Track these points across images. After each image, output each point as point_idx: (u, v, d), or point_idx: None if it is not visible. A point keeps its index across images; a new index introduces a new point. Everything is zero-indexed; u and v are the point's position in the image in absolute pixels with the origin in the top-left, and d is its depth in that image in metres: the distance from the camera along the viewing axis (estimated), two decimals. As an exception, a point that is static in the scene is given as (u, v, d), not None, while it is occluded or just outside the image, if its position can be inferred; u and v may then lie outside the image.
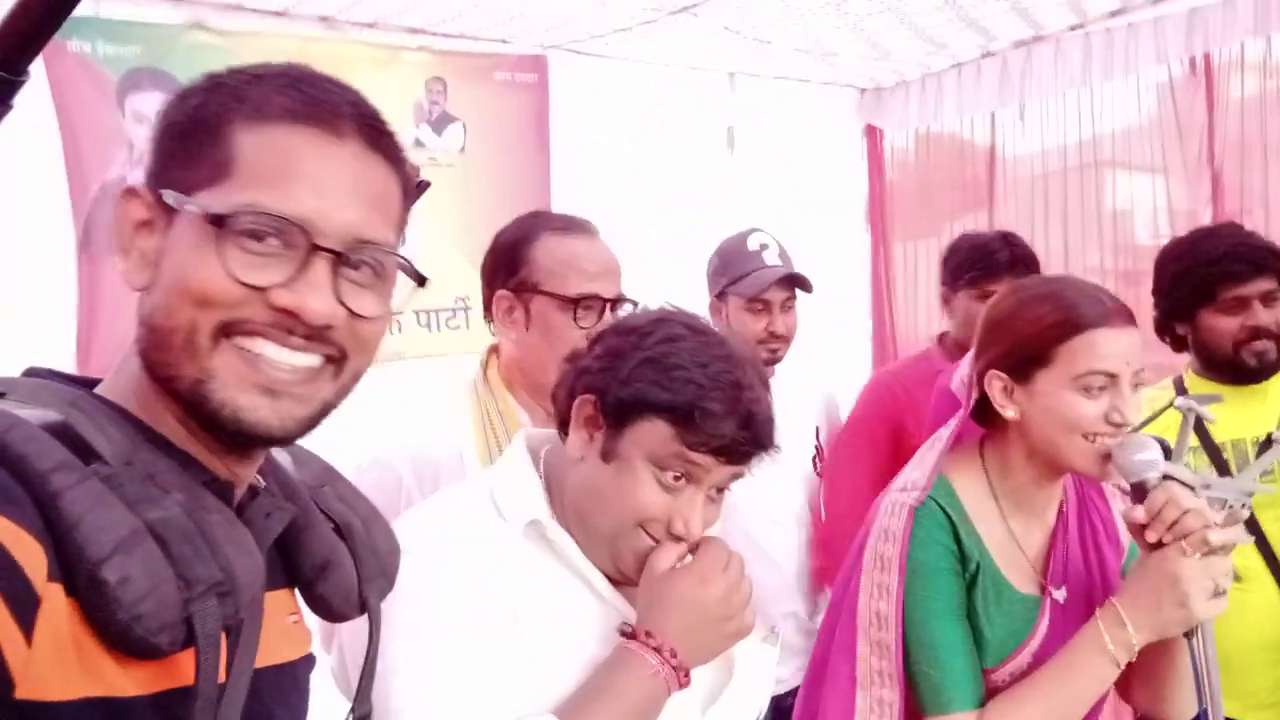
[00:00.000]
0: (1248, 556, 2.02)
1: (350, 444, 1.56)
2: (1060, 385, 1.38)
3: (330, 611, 0.87)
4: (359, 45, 3.56)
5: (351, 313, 0.76)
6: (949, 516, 1.43)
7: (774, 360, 2.38)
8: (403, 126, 3.58)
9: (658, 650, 1.11)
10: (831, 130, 4.46)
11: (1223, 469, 2.05)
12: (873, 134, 4.52)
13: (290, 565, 0.86)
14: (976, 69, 4.01)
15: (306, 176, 0.74)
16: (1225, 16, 3.26)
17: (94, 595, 0.64)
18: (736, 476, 1.16)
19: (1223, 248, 2.08)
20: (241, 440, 0.75)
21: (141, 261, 0.75)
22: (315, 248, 0.73)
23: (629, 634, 1.13)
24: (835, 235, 4.42)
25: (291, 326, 0.73)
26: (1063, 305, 1.39)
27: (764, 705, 1.29)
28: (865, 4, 3.23)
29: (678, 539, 1.14)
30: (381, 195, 0.79)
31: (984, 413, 1.49)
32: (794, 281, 2.35)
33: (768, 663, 1.30)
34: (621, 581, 1.19)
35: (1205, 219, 3.40)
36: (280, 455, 0.89)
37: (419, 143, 3.62)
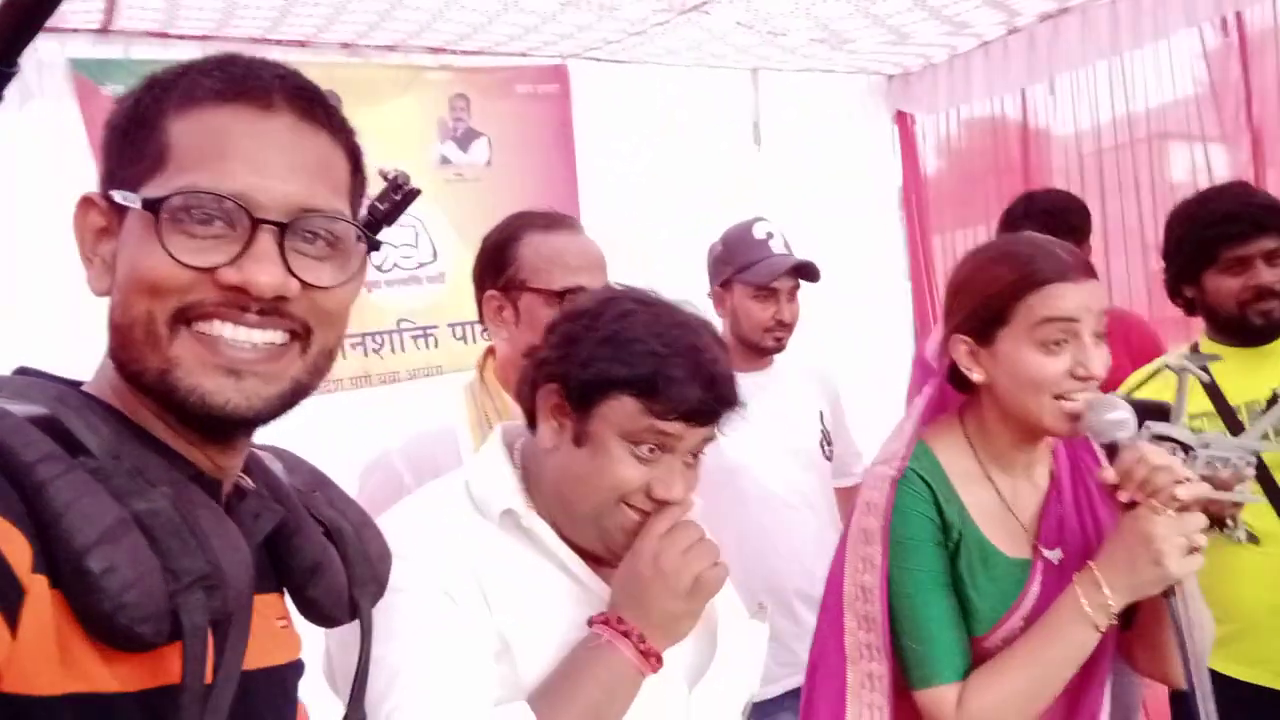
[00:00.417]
0: (1266, 518, 1.96)
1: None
2: (1020, 343, 1.36)
3: (320, 615, 0.87)
4: (381, 69, 3.63)
5: (306, 284, 0.75)
6: (930, 486, 1.42)
7: (779, 348, 2.40)
8: (429, 144, 3.65)
9: (625, 635, 1.11)
10: (861, 120, 4.42)
11: (1238, 431, 1.97)
12: (903, 120, 4.46)
13: (280, 569, 0.85)
14: (1004, 46, 3.93)
15: (241, 153, 0.73)
16: (1256, -28, 3.16)
17: (78, 585, 0.63)
18: (708, 440, 1.17)
19: (1224, 208, 2.05)
20: (214, 425, 0.75)
21: (103, 267, 0.76)
22: (257, 221, 0.73)
23: (600, 620, 1.13)
24: (869, 225, 4.36)
25: (244, 304, 0.73)
26: (1019, 263, 1.37)
27: (756, 681, 1.28)
28: (876, -13, 3.19)
29: (662, 504, 1.14)
30: (323, 164, 0.78)
31: (961, 378, 1.47)
32: (802, 270, 2.35)
33: (757, 639, 1.30)
34: (608, 563, 1.20)
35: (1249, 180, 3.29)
36: (271, 461, 0.89)
37: (445, 159, 3.69)
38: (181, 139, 0.74)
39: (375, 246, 0.82)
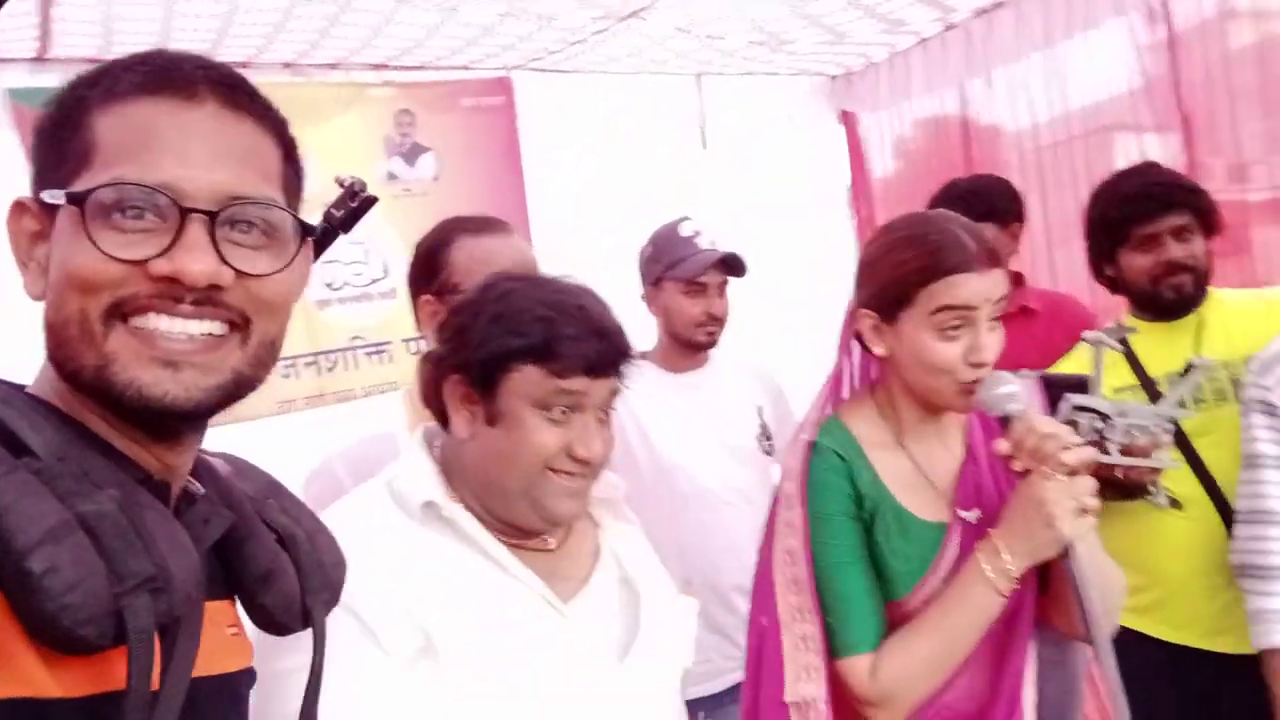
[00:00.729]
0: (1187, 483, 2.02)
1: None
2: (920, 327, 1.41)
3: (272, 623, 0.86)
4: (324, 87, 3.64)
5: (240, 273, 0.75)
6: (844, 460, 1.46)
7: (710, 343, 2.43)
8: (375, 161, 3.66)
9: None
10: (806, 121, 4.46)
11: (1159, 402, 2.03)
12: (849, 119, 4.51)
13: (231, 576, 0.84)
14: (941, 42, 3.99)
15: (166, 144, 0.73)
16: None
17: (20, 586, 0.62)
18: (615, 393, 1.22)
19: (1132, 188, 2.13)
20: (154, 419, 0.74)
21: (38, 270, 0.76)
22: (186, 211, 0.72)
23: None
24: (818, 225, 4.40)
25: (178, 294, 0.72)
26: (926, 249, 1.42)
27: (689, 653, 1.31)
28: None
29: (584, 464, 1.18)
30: (252, 151, 0.78)
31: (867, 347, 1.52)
32: (729, 264, 2.38)
33: (686, 615, 1.35)
34: (533, 547, 1.23)
35: (1180, 169, 3.37)
36: (222, 466, 0.89)
37: (392, 175, 3.69)
38: (106, 134, 0.73)
39: (311, 233, 0.82)
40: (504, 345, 1.16)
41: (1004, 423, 1.37)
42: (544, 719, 1.15)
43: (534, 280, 1.23)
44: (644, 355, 2.54)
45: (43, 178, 0.76)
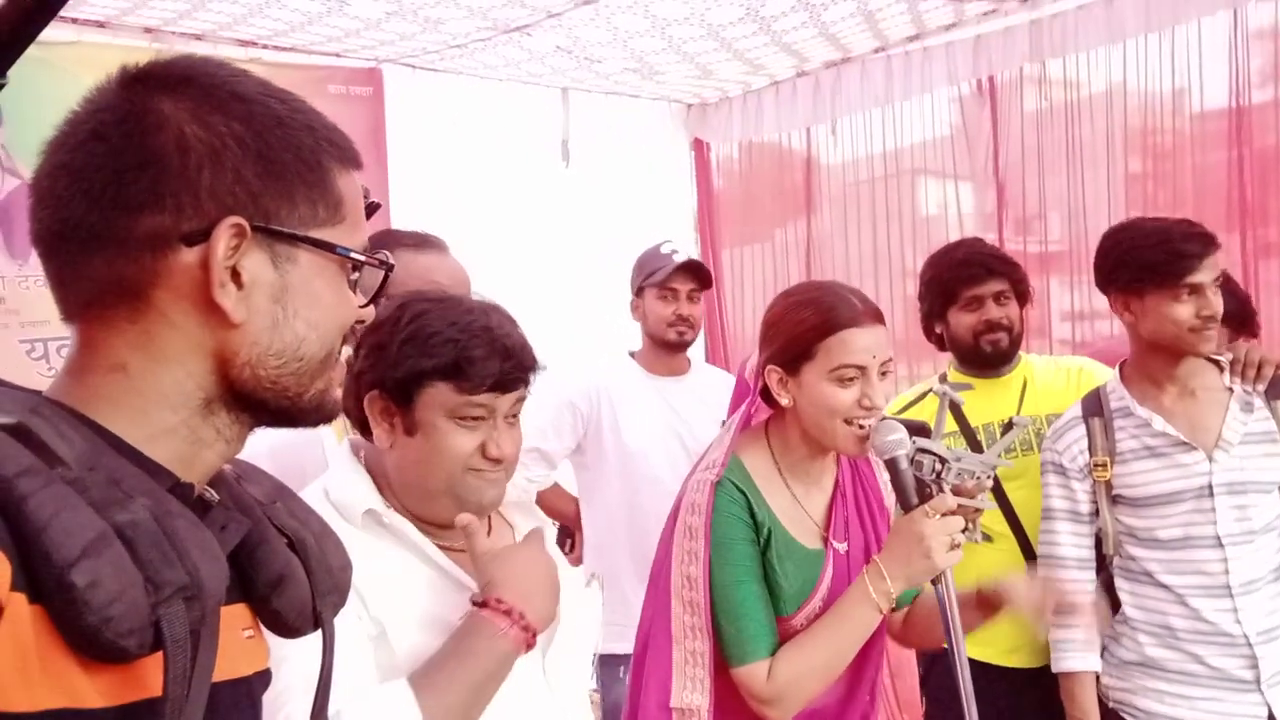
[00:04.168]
0: (997, 521, 2.38)
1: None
2: (820, 377, 1.62)
3: (284, 627, 0.87)
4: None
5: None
6: (743, 492, 1.65)
7: (682, 344, 2.84)
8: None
9: (508, 614, 1.24)
10: (661, 143, 4.68)
11: (976, 448, 2.41)
12: (699, 146, 4.77)
13: (244, 580, 0.84)
14: (793, 86, 4.30)
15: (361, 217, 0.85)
16: (1006, 43, 3.65)
17: (62, 599, 0.63)
18: (521, 400, 1.35)
19: (962, 256, 2.49)
20: (313, 419, 0.84)
21: (244, 295, 0.77)
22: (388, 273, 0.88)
23: (480, 603, 1.26)
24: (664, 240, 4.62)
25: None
26: (821, 309, 1.64)
27: (597, 640, 1.47)
28: (688, 29, 3.44)
29: (497, 462, 1.31)
30: None
31: (769, 397, 1.72)
32: (694, 273, 2.80)
33: (593, 604, 1.49)
34: (461, 548, 1.34)
35: (994, 223, 3.81)
36: (229, 470, 0.90)
37: (253, 156, 3.60)
38: (347, 195, 0.81)
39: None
40: (417, 366, 1.27)
41: (890, 464, 1.59)
42: None
43: (445, 301, 1.34)
44: (631, 355, 2.92)
45: (258, 202, 0.76)
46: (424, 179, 3.91)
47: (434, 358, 1.27)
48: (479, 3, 3.17)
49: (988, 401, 2.44)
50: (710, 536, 1.63)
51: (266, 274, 0.77)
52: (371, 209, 1.03)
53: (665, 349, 2.85)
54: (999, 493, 2.36)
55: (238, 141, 0.75)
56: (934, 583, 1.56)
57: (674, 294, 2.80)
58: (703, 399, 2.82)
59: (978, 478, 1.66)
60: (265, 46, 3.64)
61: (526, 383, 1.34)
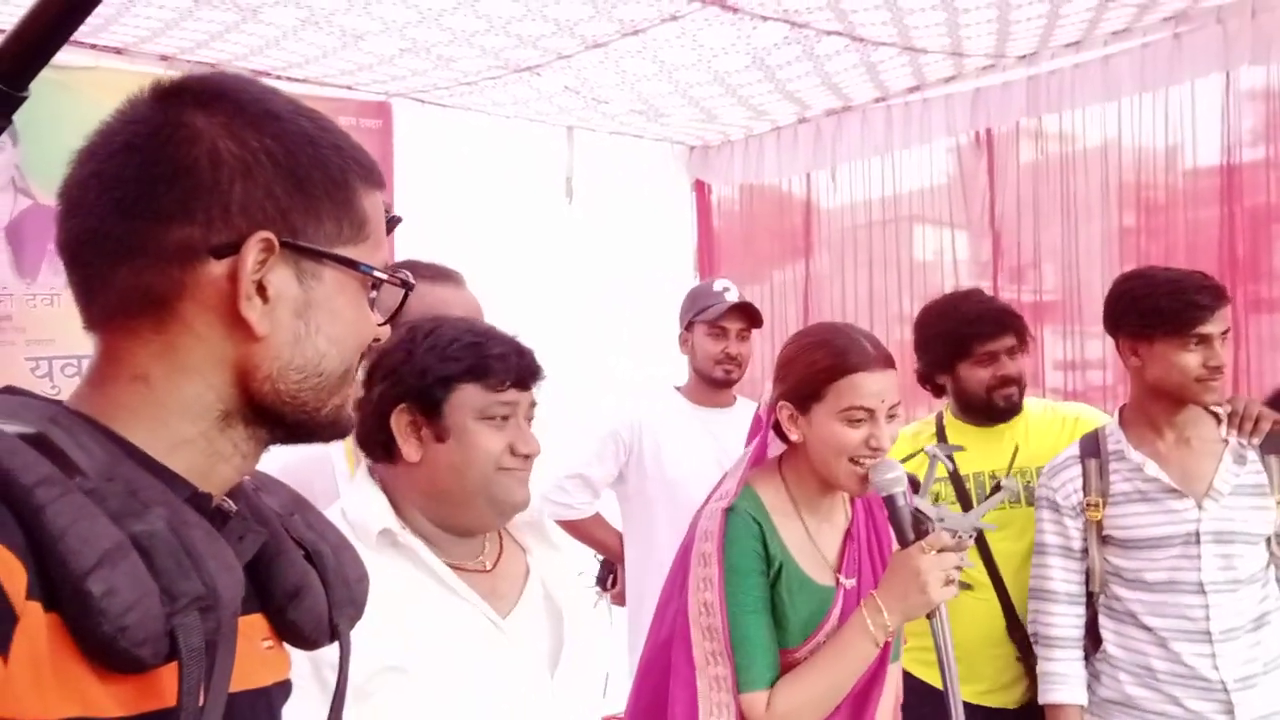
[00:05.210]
0: (980, 572, 2.43)
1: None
2: (830, 417, 1.67)
3: (301, 638, 0.87)
4: (200, 87, 3.58)
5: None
6: (757, 523, 1.69)
7: (728, 381, 2.88)
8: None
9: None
10: (663, 183, 4.76)
11: (964, 494, 2.47)
12: (701, 188, 4.85)
13: (261, 591, 0.85)
14: (794, 132, 4.39)
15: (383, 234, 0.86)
16: (1003, 97, 3.74)
17: (78, 608, 0.63)
18: (534, 404, 1.43)
19: (974, 311, 2.50)
20: (328, 435, 0.84)
21: (270, 309, 0.77)
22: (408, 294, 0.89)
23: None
24: (667, 280, 4.69)
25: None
26: (833, 351, 1.69)
27: (608, 659, 1.50)
28: (693, 74, 3.52)
29: (526, 458, 1.38)
30: None
31: (782, 432, 1.77)
32: (746, 313, 2.83)
33: (601, 625, 1.54)
34: (474, 569, 1.39)
35: (989, 271, 3.88)
36: (247, 481, 0.91)
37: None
38: (371, 214, 0.82)
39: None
40: (444, 371, 1.34)
41: (887, 501, 1.64)
42: None
43: (449, 320, 1.43)
44: (676, 388, 2.98)
45: (287, 218, 0.76)
46: (430, 211, 3.96)
47: (459, 361, 1.34)
48: (492, 43, 3.24)
49: (982, 451, 2.46)
50: (724, 562, 1.67)
51: (291, 289, 0.77)
52: (392, 223, 1.06)
53: (711, 385, 2.91)
54: (981, 542, 2.42)
55: (269, 157, 0.75)
56: (929, 617, 1.60)
57: (724, 332, 2.85)
58: (746, 431, 2.86)
59: (960, 536, 1.71)
60: (279, 78, 3.71)
61: (539, 380, 1.41)
